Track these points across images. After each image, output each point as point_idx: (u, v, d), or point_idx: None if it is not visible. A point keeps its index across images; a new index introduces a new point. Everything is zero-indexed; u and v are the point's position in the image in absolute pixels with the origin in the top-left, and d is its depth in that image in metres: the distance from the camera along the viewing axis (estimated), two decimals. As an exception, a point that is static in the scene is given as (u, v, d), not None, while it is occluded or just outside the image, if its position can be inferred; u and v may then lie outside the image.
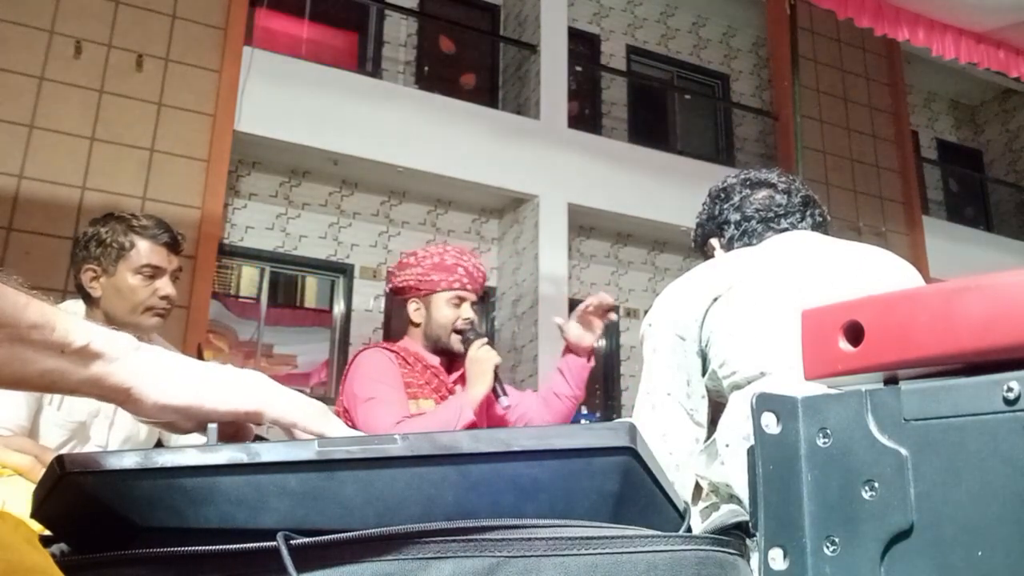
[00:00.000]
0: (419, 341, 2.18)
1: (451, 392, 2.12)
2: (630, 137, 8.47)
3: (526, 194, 7.17)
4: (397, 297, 2.26)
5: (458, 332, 2.14)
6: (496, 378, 2.05)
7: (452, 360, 2.19)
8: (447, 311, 2.14)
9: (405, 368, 2.11)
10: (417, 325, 2.18)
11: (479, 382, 2.03)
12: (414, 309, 2.18)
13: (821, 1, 5.23)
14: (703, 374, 1.34)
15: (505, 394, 2.06)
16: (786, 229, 1.48)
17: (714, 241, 1.57)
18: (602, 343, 8.25)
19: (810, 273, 1.33)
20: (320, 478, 0.45)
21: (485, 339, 2.12)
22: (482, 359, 2.05)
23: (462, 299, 2.16)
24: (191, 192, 5.70)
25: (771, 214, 1.50)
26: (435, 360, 2.17)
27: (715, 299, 1.32)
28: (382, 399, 1.99)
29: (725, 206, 1.55)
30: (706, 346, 1.32)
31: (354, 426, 2.01)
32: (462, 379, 2.18)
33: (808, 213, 1.51)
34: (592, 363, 2.21)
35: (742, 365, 1.25)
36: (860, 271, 1.35)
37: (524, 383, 6.45)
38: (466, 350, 2.11)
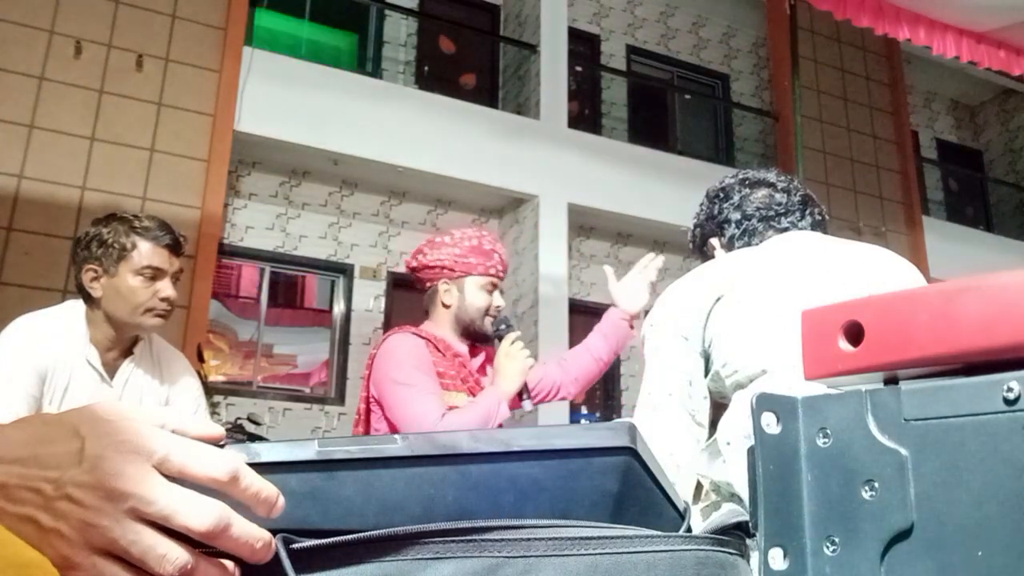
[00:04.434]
0: (447, 325, 2.12)
1: (477, 383, 2.11)
2: (630, 137, 8.47)
3: (526, 194, 7.17)
4: (421, 276, 2.18)
5: (491, 316, 2.12)
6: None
7: (473, 345, 2.16)
8: (481, 296, 2.11)
9: (436, 356, 2.07)
10: (447, 307, 2.12)
11: (512, 380, 2.03)
12: (445, 290, 2.12)
13: (820, 1, 5.23)
14: (705, 375, 1.34)
15: (530, 397, 2.07)
16: (787, 228, 1.49)
17: (714, 241, 1.57)
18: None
19: (812, 272, 1.33)
20: (320, 478, 0.45)
21: (519, 333, 2.12)
22: (517, 358, 2.04)
23: (494, 286, 2.14)
24: (191, 192, 5.70)
25: (772, 212, 1.50)
26: (462, 347, 2.13)
27: (718, 299, 1.32)
28: (423, 388, 1.96)
29: (725, 205, 1.55)
30: (709, 346, 1.32)
31: (386, 413, 2.00)
32: (482, 368, 2.16)
33: (808, 212, 1.51)
34: (634, 333, 2.15)
35: (745, 364, 1.25)
36: (862, 271, 1.35)
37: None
38: (497, 335, 2.10)
